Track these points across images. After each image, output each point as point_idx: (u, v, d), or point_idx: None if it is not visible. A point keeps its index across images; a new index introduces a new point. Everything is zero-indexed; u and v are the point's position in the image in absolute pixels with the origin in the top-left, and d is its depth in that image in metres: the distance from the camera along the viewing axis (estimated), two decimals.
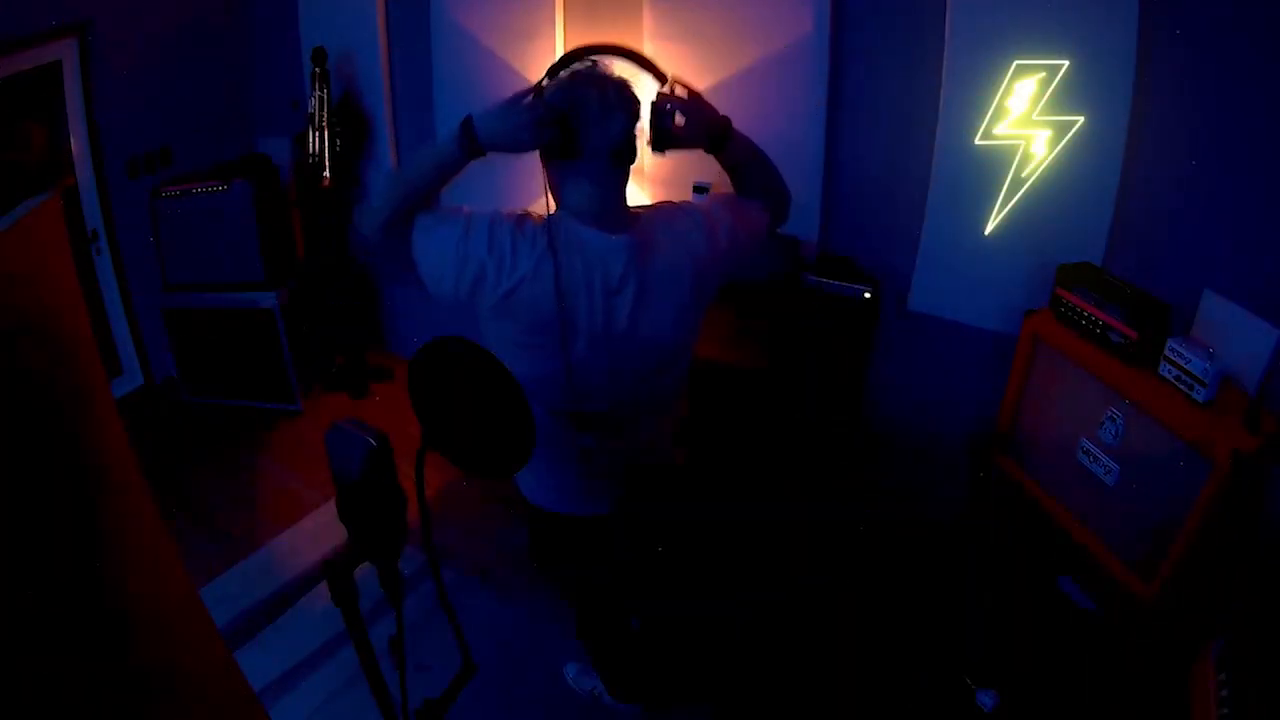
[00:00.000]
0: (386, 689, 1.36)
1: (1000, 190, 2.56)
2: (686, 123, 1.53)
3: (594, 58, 1.53)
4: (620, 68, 1.55)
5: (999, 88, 2.45)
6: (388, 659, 1.37)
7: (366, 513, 1.23)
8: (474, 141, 1.45)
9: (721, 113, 1.57)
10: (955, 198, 2.65)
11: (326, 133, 3.50)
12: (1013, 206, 2.56)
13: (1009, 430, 2.57)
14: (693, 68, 2.95)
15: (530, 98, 1.46)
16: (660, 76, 1.57)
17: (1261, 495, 2.10)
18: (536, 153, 1.53)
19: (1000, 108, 2.47)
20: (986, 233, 2.63)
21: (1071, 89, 2.35)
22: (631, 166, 1.55)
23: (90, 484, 1.26)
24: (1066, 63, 2.34)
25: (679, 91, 1.54)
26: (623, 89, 1.49)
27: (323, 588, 3.16)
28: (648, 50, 2.98)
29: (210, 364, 3.83)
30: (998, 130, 2.50)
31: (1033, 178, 2.49)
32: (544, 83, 1.51)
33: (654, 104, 1.53)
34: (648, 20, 2.97)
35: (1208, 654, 1.94)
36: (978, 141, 2.54)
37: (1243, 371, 2.11)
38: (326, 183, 3.57)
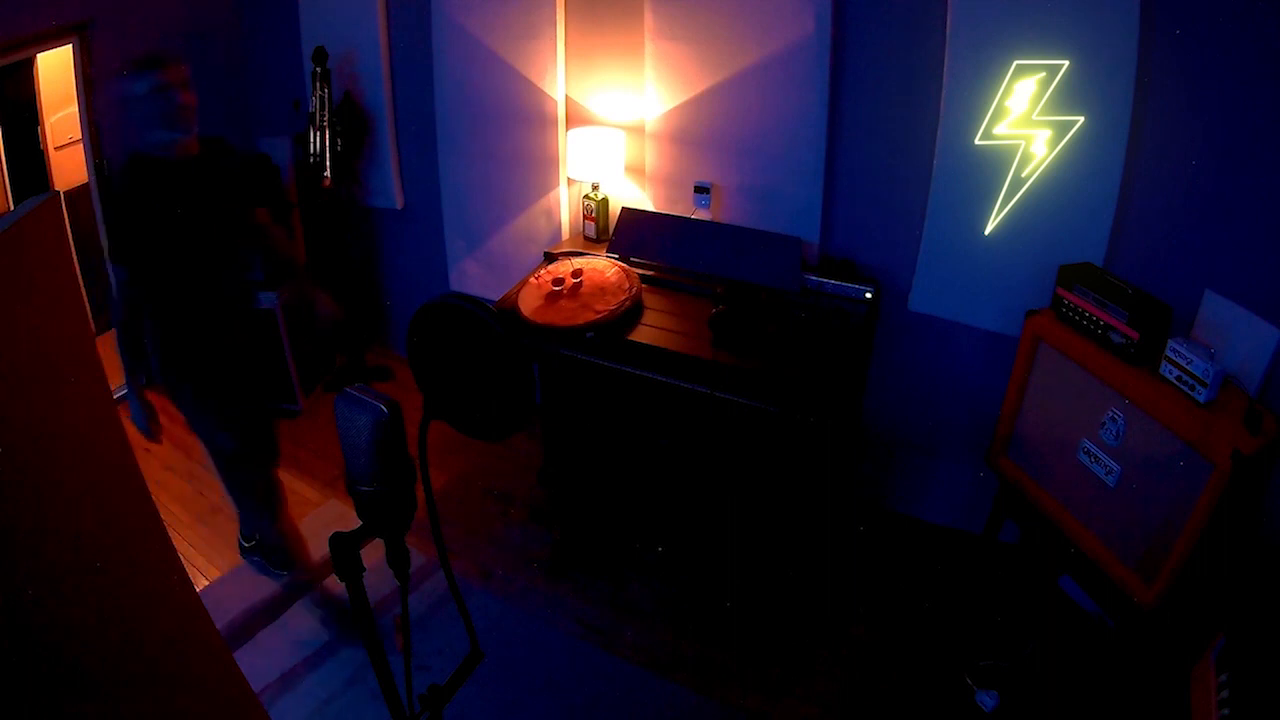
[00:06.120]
0: (389, 669, 1.32)
1: (1000, 190, 2.56)
2: None
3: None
4: None
5: (999, 88, 2.45)
6: (392, 648, 1.33)
7: (375, 484, 1.17)
8: None
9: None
10: (955, 198, 2.65)
11: (327, 132, 3.50)
12: (1013, 207, 2.56)
13: (1010, 431, 2.57)
14: (694, 68, 2.95)
15: None
16: None
17: (1262, 496, 2.10)
18: None
19: (1000, 108, 2.47)
20: (987, 233, 2.63)
21: (1071, 89, 2.35)
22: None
23: (90, 484, 1.26)
24: (1066, 63, 2.34)
25: None
26: None
27: (323, 588, 3.16)
28: (648, 50, 2.99)
29: None
30: (998, 130, 2.50)
31: (1033, 178, 2.49)
32: None
33: None
34: (649, 20, 2.97)
35: (1208, 654, 1.95)
36: (978, 142, 2.54)
37: (1243, 372, 2.12)
38: (327, 183, 3.57)
